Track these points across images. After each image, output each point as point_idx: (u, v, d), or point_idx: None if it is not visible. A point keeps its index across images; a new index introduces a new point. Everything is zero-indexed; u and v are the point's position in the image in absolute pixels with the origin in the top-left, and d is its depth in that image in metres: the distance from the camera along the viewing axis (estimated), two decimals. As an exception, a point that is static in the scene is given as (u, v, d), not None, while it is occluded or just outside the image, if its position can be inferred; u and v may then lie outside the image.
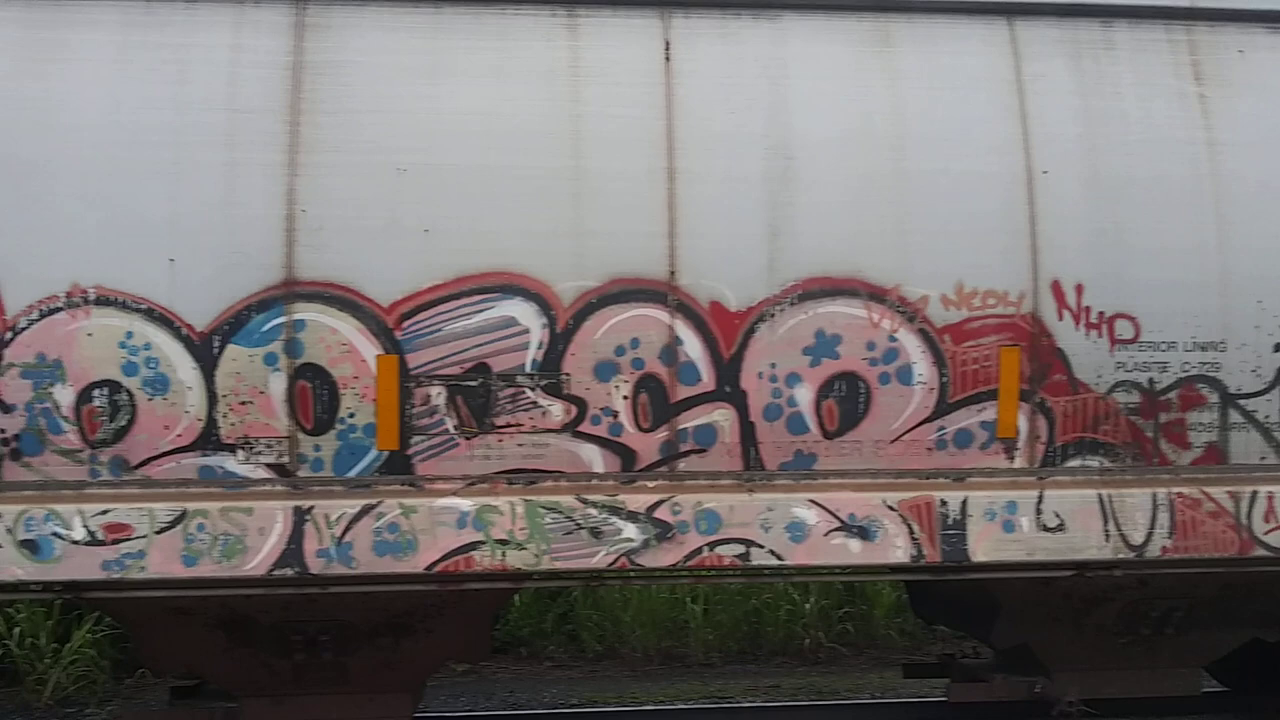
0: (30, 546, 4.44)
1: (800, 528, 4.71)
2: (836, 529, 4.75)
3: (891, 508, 4.77)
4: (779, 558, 4.71)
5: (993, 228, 4.86)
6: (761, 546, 4.69)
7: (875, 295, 4.79)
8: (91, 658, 7.54)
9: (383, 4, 4.72)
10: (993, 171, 4.89)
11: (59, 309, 4.48)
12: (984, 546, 4.81)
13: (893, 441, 4.82)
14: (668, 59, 4.84)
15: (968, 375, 4.85)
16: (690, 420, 4.71)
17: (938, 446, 4.84)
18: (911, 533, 4.78)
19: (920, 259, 4.81)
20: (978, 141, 4.90)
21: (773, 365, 4.73)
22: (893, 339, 4.79)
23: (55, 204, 4.50)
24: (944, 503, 4.80)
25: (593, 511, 4.64)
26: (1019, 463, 4.90)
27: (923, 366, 4.81)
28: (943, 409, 4.83)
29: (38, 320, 4.47)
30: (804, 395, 4.76)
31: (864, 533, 4.76)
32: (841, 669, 8.39)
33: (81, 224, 4.50)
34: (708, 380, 4.71)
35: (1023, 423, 4.89)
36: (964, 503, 4.81)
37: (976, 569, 4.92)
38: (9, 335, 4.46)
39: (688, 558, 4.67)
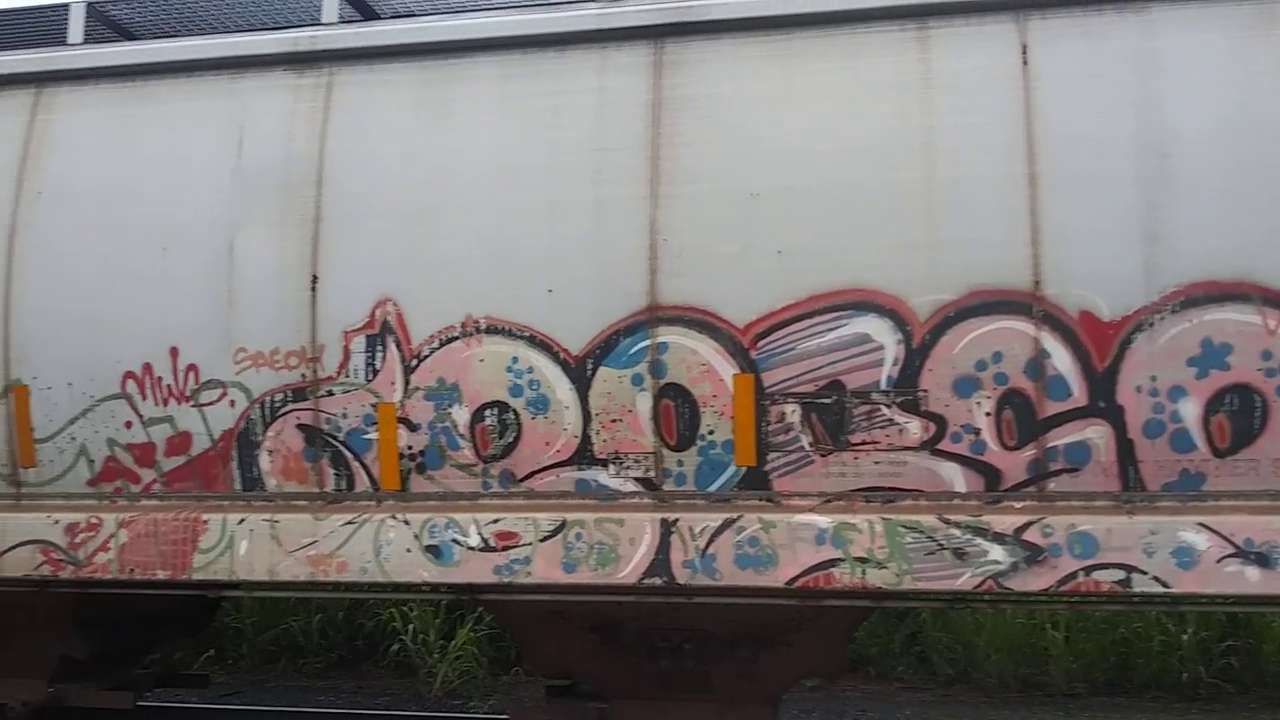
0: (434, 551, 4.96)
1: (1189, 553, 4.35)
2: (1231, 555, 4.34)
3: (1297, 533, 4.30)
4: (1165, 585, 4.36)
5: None
6: (1144, 573, 4.37)
7: (1271, 300, 4.35)
8: (473, 654, 8.26)
9: (735, 36, 4.88)
10: None
11: (455, 338, 4.98)
12: None
13: (1297, 460, 4.35)
14: (1025, 62, 4.67)
15: (1390, 386, 4.29)
16: (1060, 438, 4.48)
17: (1354, 466, 4.31)
18: (1323, 562, 4.29)
19: (1325, 257, 4.32)
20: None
21: (1153, 378, 4.41)
22: (1293, 347, 4.33)
23: (450, 245, 5.01)
24: (1364, 529, 4.27)
25: (956, 532, 4.53)
26: None
27: (1332, 377, 4.31)
28: (1361, 425, 4.30)
29: (438, 348, 5.00)
30: (1190, 410, 4.40)
31: (1264, 560, 4.32)
32: (1225, 707, 7.63)
33: (472, 261, 4.98)
34: (1079, 395, 4.46)
35: None
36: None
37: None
38: (415, 362, 5.01)
39: (1061, 582, 4.44)
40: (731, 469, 4.77)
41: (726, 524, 4.70)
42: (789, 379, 4.69)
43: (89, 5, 5.81)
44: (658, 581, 4.75)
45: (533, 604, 5.21)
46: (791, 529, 4.64)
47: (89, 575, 5.26)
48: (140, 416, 5.23)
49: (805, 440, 4.69)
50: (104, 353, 5.24)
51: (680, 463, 4.82)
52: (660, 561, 4.74)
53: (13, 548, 5.33)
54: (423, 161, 5.10)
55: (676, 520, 4.75)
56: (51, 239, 5.35)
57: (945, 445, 4.58)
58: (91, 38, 5.78)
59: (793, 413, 4.69)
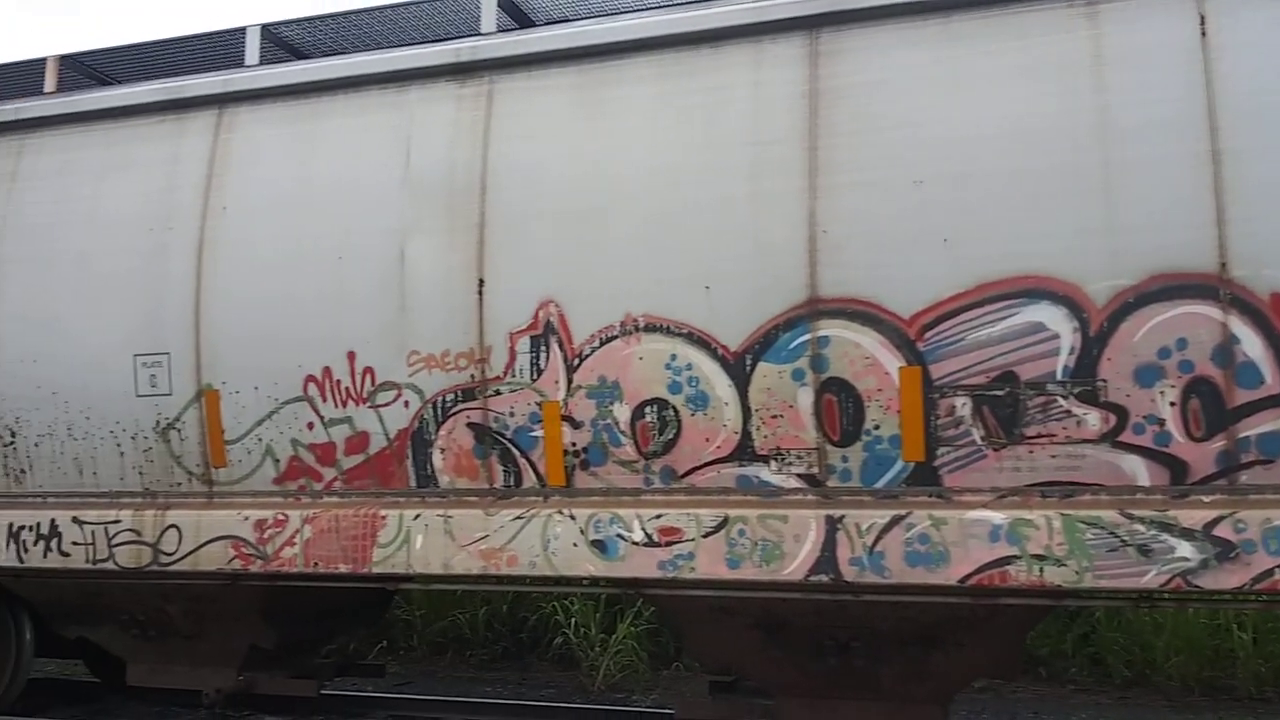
0: (599, 546, 5.04)
1: (1400, 550, 4.06)
2: None
3: None
4: (1373, 584, 4.09)
5: None
6: (1350, 570, 4.10)
7: None
8: (633, 649, 8.35)
9: (893, 22, 4.79)
10: None
11: (615, 336, 5.04)
12: None
13: None
14: (1203, 34, 4.43)
15: None
16: (1253, 427, 4.24)
17: None
18: None
19: None
20: None
21: (1356, 363, 4.13)
22: None
23: (608, 244, 5.08)
24: None
25: (1140, 528, 4.33)
26: None
27: None
28: None
29: (599, 347, 5.07)
30: (1397, 396, 4.10)
31: None
32: None
33: (630, 260, 5.04)
34: (1273, 383, 4.21)
35: None
36: None
37: None
38: (577, 361, 5.10)
39: (1256, 580, 4.19)
40: (899, 464, 4.69)
41: (895, 520, 4.62)
42: (958, 371, 4.57)
43: (263, 28, 6.12)
44: (824, 579, 4.70)
45: (696, 599, 5.23)
46: (964, 525, 4.52)
47: (276, 569, 5.55)
48: (321, 418, 5.49)
49: (976, 434, 4.57)
50: (287, 358, 5.51)
51: (845, 458, 4.76)
52: (826, 558, 4.69)
53: (207, 543, 5.66)
54: (581, 164, 5.18)
55: (842, 517, 4.70)
56: (236, 252, 5.66)
57: (1127, 437, 4.39)
58: (266, 58, 6.09)
59: (963, 406, 4.58)
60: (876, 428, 4.70)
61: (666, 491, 5.00)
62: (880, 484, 4.72)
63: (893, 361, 4.66)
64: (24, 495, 6.11)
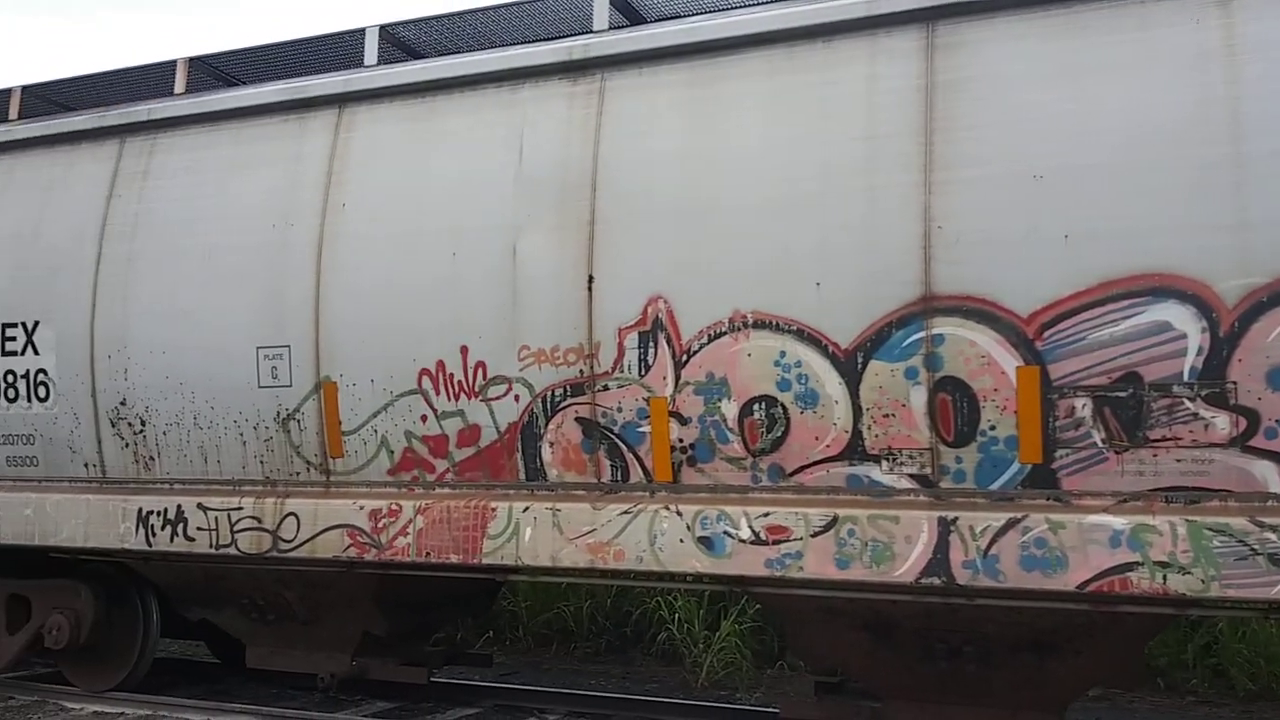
0: (706, 543, 5.03)
1: None
2: None
3: None
4: None
5: None
6: None
7: None
8: (736, 646, 8.33)
9: (1012, 13, 4.68)
10: None
11: (724, 333, 5.03)
12: None
13: None
14: (1344, 21, 4.21)
15: None
16: (1398, 434, 4.03)
17: None
18: None
19: None
20: None
21: None
22: None
23: (717, 241, 5.07)
24: None
25: (1271, 536, 4.15)
26: None
27: None
28: None
29: (707, 344, 5.06)
30: None
31: None
32: None
33: (740, 256, 5.02)
34: None
35: None
36: None
37: None
38: (685, 358, 5.11)
39: (1399, 594, 3.99)
40: (1015, 466, 4.58)
41: (1010, 524, 4.51)
42: (1079, 371, 4.44)
43: (381, 29, 6.27)
44: (936, 581, 4.62)
45: (803, 599, 5.20)
46: (1083, 530, 4.39)
47: (390, 558, 5.69)
48: (434, 410, 5.60)
49: (1097, 436, 4.43)
50: (401, 352, 5.64)
51: (959, 459, 4.67)
52: (938, 561, 4.61)
53: (324, 531, 5.83)
54: (692, 160, 5.18)
55: (956, 519, 4.61)
56: (354, 247, 5.81)
57: (1258, 442, 4.21)
58: (384, 59, 6.23)
59: (1083, 407, 4.45)
60: (992, 428, 4.60)
61: (774, 490, 4.98)
62: (995, 486, 4.61)
63: (1010, 360, 4.55)
64: (152, 481, 6.38)
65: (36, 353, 6.62)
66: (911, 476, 4.75)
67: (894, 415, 4.75)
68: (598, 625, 9.27)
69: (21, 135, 6.99)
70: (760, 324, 4.97)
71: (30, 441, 6.71)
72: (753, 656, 8.43)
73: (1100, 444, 4.43)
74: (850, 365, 4.80)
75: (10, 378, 6.70)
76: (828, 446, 4.88)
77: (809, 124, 4.95)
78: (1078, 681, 5.06)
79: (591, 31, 5.65)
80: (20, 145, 6.98)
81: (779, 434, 4.95)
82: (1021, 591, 4.55)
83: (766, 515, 4.93)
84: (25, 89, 7.31)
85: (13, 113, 7.28)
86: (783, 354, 4.93)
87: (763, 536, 4.93)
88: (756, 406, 4.98)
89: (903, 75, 4.82)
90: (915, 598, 4.88)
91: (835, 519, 4.80)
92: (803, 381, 4.89)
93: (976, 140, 4.64)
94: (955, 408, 4.65)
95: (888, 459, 4.79)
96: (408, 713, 6.90)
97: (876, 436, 4.78)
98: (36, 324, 6.62)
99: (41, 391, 6.61)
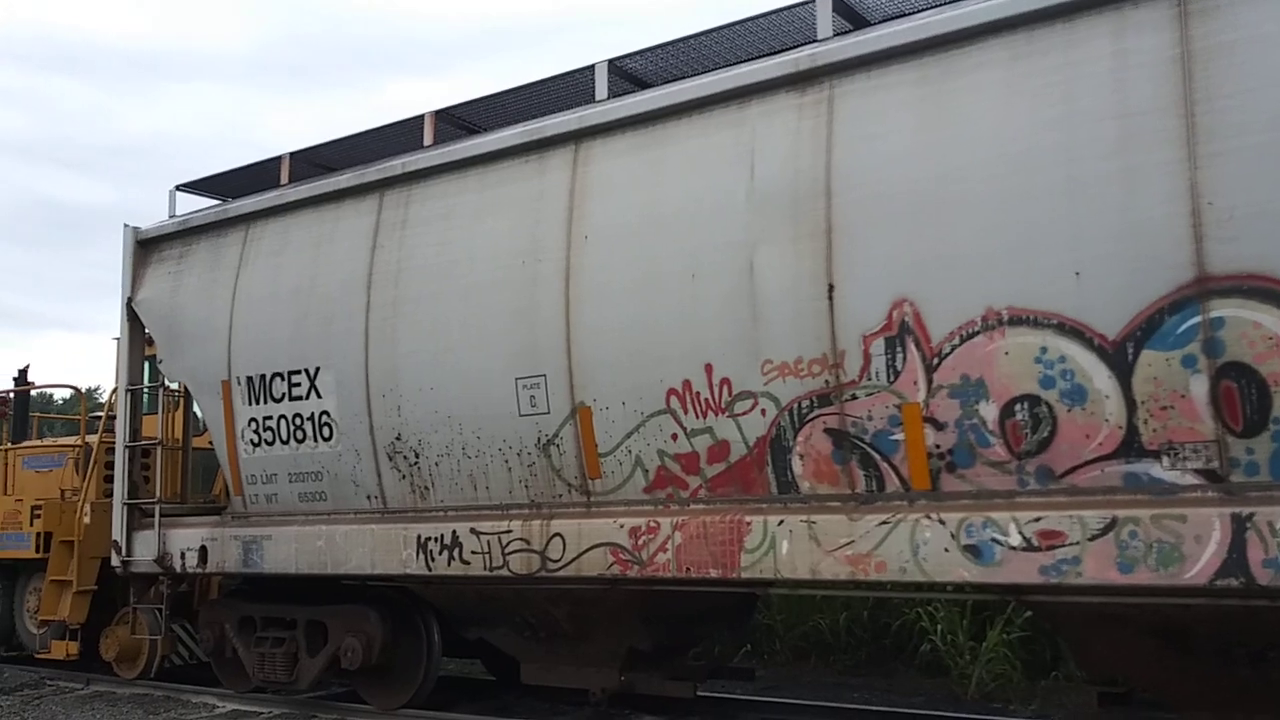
0: (972, 551, 4.87)
1: None
2: None
3: None
4: None
5: None
6: None
7: None
8: (1005, 656, 8.00)
9: (1281, -36, 4.32)
10: None
11: (977, 332, 4.87)
12: None
13: None
14: None
15: None
16: None
17: None
18: None
19: None
20: None
21: None
22: None
23: (961, 238, 4.92)
24: None
25: None
26: None
27: None
28: None
29: (959, 344, 4.92)
30: None
31: None
32: None
33: (987, 252, 4.85)
34: None
35: None
36: None
37: None
38: (936, 361, 4.98)
39: None
40: (1317, 455, 4.19)
41: (1317, 517, 4.14)
42: (1385, 347, 4.03)
43: (610, 63, 6.47)
44: (1233, 583, 4.29)
45: (1081, 606, 4.94)
46: (1406, 521, 3.97)
47: (652, 574, 5.82)
48: (684, 429, 5.71)
49: None
50: (649, 374, 5.79)
51: (1250, 450, 4.32)
52: (1234, 561, 4.28)
53: (589, 549, 6.04)
54: (928, 159, 5.06)
55: (1252, 515, 4.26)
56: (598, 277, 6.01)
57: None
58: (614, 91, 6.43)
59: (1395, 386, 4.02)
60: (1287, 415, 4.23)
61: (1044, 493, 4.76)
62: (1303, 477, 4.23)
63: (1303, 341, 4.18)
64: (429, 510, 6.81)
65: (319, 396, 7.21)
66: (1197, 471, 4.43)
67: (1173, 407, 4.45)
68: (855, 637, 9.14)
69: (293, 198, 7.66)
70: (1016, 320, 4.78)
71: (319, 479, 7.30)
72: (1023, 667, 8.08)
73: None
74: (1120, 357, 4.54)
75: (298, 420, 7.32)
76: (1100, 444, 4.63)
77: (1051, 109, 4.73)
78: None
79: (815, 40, 5.64)
80: (294, 207, 7.64)
81: (1045, 434, 4.74)
82: (1336, 592, 4.16)
83: (1038, 520, 4.72)
84: (292, 155, 8.00)
85: (283, 177, 7.98)
86: (1044, 350, 4.72)
87: (1035, 542, 4.72)
88: (1018, 407, 4.79)
89: (1154, 48, 4.54)
90: (1210, 600, 4.54)
91: (1114, 520, 4.54)
92: (1068, 377, 4.67)
93: (1245, 108, 4.31)
94: (1243, 395, 4.31)
95: (1169, 454, 4.49)
96: (677, 727, 7.03)
97: (1154, 431, 4.50)
98: (318, 369, 7.21)
99: (326, 431, 7.19)
